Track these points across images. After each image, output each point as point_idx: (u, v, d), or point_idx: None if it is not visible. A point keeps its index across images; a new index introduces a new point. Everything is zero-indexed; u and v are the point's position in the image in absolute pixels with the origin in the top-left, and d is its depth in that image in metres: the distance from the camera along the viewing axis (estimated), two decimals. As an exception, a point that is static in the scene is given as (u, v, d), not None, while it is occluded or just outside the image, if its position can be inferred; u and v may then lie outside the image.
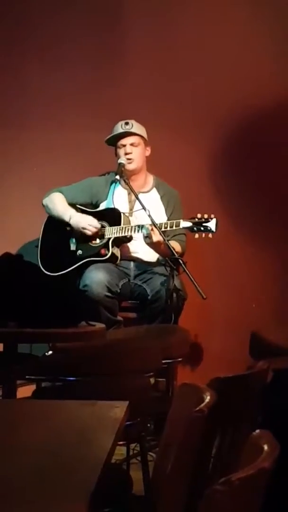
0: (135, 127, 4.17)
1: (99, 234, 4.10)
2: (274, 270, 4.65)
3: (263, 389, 2.02)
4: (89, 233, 4.08)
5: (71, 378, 2.75)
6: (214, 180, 4.71)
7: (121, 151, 4.16)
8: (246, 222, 4.67)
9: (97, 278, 3.88)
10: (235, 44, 4.68)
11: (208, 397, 1.52)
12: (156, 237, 3.85)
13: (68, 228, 4.17)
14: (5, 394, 2.57)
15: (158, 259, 4.11)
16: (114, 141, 4.20)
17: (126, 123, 4.17)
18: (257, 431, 1.16)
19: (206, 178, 4.69)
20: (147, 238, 3.89)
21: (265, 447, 1.10)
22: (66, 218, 4.15)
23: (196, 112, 4.69)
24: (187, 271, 3.70)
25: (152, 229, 3.85)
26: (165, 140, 4.46)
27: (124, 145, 4.16)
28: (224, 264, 4.64)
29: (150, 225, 3.86)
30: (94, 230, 4.08)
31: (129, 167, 4.14)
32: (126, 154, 4.14)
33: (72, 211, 4.16)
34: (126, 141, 4.16)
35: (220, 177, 4.71)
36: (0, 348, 2.63)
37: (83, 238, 4.13)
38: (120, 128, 4.18)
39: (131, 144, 4.16)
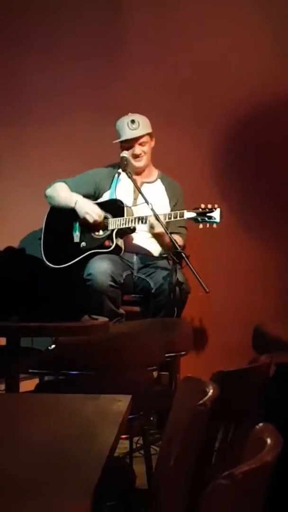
0: (141, 125, 4.11)
1: (103, 225, 4.08)
2: (277, 264, 4.64)
3: (266, 383, 2.02)
4: (90, 219, 4.02)
5: (74, 372, 2.75)
6: (216, 173, 4.70)
7: (128, 151, 4.11)
8: (248, 215, 4.66)
9: (101, 267, 3.86)
10: (236, 40, 4.66)
11: (211, 391, 1.52)
12: (160, 227, 3.84)
13: (71, 219, 4.13)
14: (8, 388, 2.58)
15: (161, 253, 4.10)
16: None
17: (132, 122, 4.10)
18: (260, 424, 1.16)
19: (208, 171, 4.68)
20: (152, 228, 3.89)
21: (268, 440, 1.10)
22: (72, 203, 4.09)
23: (198, 106, 4.67)
24: (190, 265, 3.70)
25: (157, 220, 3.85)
26: (166, 134, 4.44)
27: (133, 146, 4.12)
28: (227, 257, 4.64)
29: (154, 216, 3.86)
30: (96, 218, 4.02)
31: (139, 164, 4.12)
32: (136, 157, 4.10)
33: (78, 196, 4.11)
34: (135, 142, 4.11)
35: (222, 170, 4.70)
36: (3, 342, 2.63)
37: (86, 229, 4.10)
38: (126, 127, 4.10)
39: (140, 144, 4.13)
